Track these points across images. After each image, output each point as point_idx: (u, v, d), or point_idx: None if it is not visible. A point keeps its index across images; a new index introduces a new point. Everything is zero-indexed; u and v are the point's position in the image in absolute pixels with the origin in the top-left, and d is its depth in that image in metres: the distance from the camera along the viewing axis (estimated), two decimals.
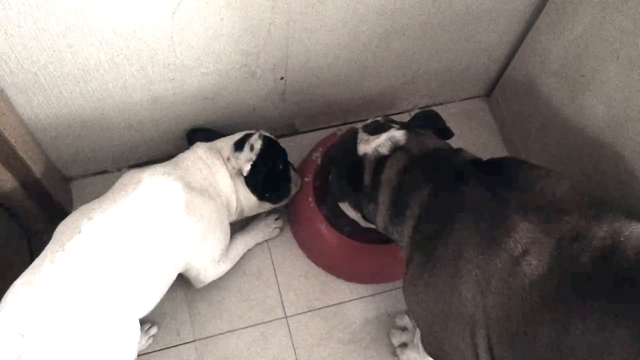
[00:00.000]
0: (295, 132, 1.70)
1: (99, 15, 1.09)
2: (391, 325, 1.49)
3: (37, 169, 1.32)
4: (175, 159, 1.37)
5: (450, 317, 1.04)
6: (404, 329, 1.46)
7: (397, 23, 1.38)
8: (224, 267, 1.44)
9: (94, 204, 1.21)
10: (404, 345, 1.44)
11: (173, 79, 1.32)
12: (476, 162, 1.14)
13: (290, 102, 1.55)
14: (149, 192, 1.24)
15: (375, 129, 1.24)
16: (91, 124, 1.39)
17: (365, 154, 1.21)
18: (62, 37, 1.11)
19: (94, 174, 1.60)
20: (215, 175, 1.36)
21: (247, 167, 1.37)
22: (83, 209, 1.21)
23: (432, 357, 1.21)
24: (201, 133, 1.49)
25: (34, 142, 1.34)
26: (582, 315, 0.89)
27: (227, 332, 1.47)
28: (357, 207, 1.29)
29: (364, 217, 1.29)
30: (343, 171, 1.27)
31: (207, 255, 1.37)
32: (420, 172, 1.13)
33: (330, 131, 1.64)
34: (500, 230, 0.98)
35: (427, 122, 1.26)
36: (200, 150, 1.38)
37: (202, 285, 1.43)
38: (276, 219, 1.57)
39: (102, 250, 1.15)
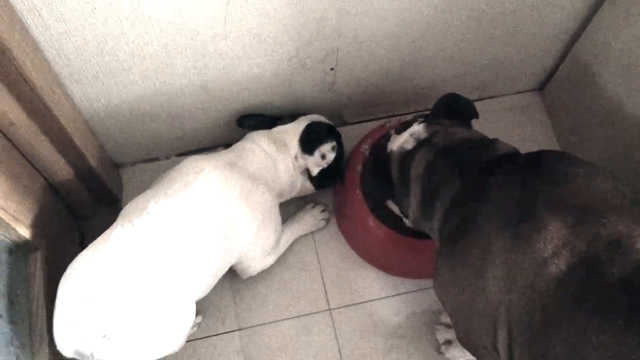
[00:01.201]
0: (343, 124, 1.69)
1: (154, 5, 1.10)
2: (436, 321, 1.47)
3: (90, 157, 1.34)
4: (236, 148, 1.38)
5: (475, 310, 1.02)
6: (449, 325, 1.44)
7: (451, 14, 1.35)
8: (271, 259, 1.45)
9: (157, 189, 1.23)
10: (448, 342, 1.42)
11: (224, 68, 1.32)
12: (510, 154, 1.10)
13: (340, 93, 1.54)
14: (209, 182, 1.24)
15: (404, 127, 1.24)
16: (142, 113, 1.40)
17: (391, 151, 1.23)
18: (117, 26, 1.12)
19: (144, 161, 1.62)
20: (278, 169, 1.38)
21: (316, 171, 1.41)
22: (148, 193, 1.24)
23: (463, 346, 1.20)
24: (254, 119, 1.48)
25: (88, 130, 1.36)
26: (604, 331, 0.84)
27: (270, 322, 1.47)
28: (396, 202, 1.28)
29: (401, 212, 1.28)
30: (374, 170, 1.29)
31: (261, 246, 1.38)
32: (448, 165, 1.11)
33: (378, 123, 1.61)
34: (531, 228, 0.94)
35: (446, 109, 1.25)
36: (263, 142, 1.38)
37: (247, 277, 1.44)
38: (322, 211, 1.57)
39: (166, 231, 1.17)
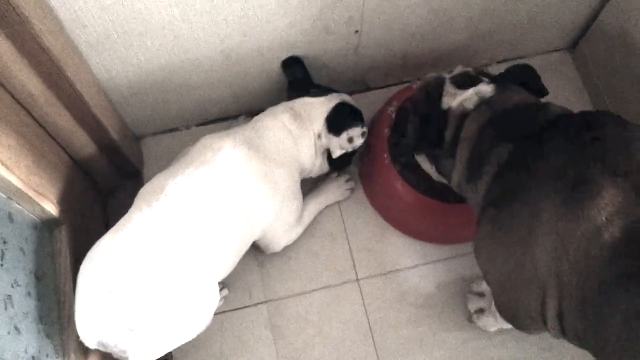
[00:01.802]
0: (366, 89, 1.64)
1: None
2: (466, 290, 1.44)
3: (111, 128, 1.31)
4: (256, 124, 1.32)
5: (521, 279, 0.99)
6: (481, 294, 1.41)
7: None
8: (295, 234, 1.42)
9: (175, 168, 1.19)
10: (480, 311, 1.39)
11: (245, 34, 1.27)
12: (564, 117, 1.05)
13: (363, 57, 1.49)
14: (229, 160, 1.20)
15: (464, 82, 1.16)
16: (162, 82, 1.36)
17: (449, 108, 1.15)
18: None
19: (164, 132, 1.59)
20: (299, 147, 1.32)
21: (337, 154, 1.35)
22: (165, 172, 1.20)
23: (505, 319, 1.17)
24: (299, 70, 1.41)
25: (107, 101, 1.33)
26: None
27: (298, 294, 1.45)
28: (432, 160, 1.23)
29: (439, 172, 1.24)
30: (424, 122, 1.20)
31: (283, 223, 1.35)
32: (502, 128, 1.06)
33: (402, 87, 1.56)
34: (584, 193, 0.90)
35: (521, 77, 1.17)
36: (285, 118, 1.31)
37: (273, 252, 1.42)
38: (347, 180, 1.53)
39: (185, 212, 1.13)
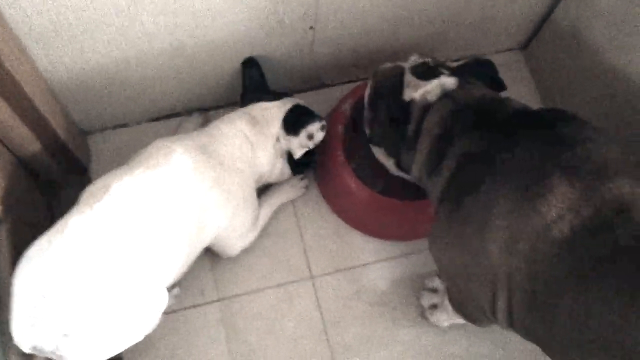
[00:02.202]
0: (322, 86, 1.63)
1: None
2: (420, 287, 1.45)
3: (55, 123, 1.26)
4: (212, 130, 1.29)
5: (474, 272, 1.01)
6: (434, 290, 1.42)
7: None
8: (251, 237, 1.40)
9: (123, 169, 1.16)
10: (433, 306, 1.40)
11: (196, 26, 1.24)
12: (523, 112, 1.07)
13: (319, 53, 1.47)
14: (179, 165, 1.17)
15: (425, 73, 1.16)
16: (110, 76, 1.32)
17: (412, 100, 1.14)
18: None
19: (113, 128, 1.54)
20: (257, 153, 1.30)
21: (299, 154, 1.34)
22: (111, 173, 1.15)
23: (456, 311, 1.19)
24: (257, 72, 1.39)
25: (51, 94, 1.28)
26: (608, 297, 0.83)
27: (251, 292, 1.43)
28: (391, 153, 1.23)
29: (397, 165, 1.23)
30: (385, 114, 1.19)
31: (237, 229, 1.33)
32: (463, 121, 1.07)
33: (357, 84, 1.56)
34: (537, 189, 0.91)
35: (480, 70, 1.18)
36: (243, 124, 1.29)
37: (229, 257, 1.40)
38: (301, 179, 1.52)
39: (130, 214, 1.09)
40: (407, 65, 1.21)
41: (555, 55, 1.57)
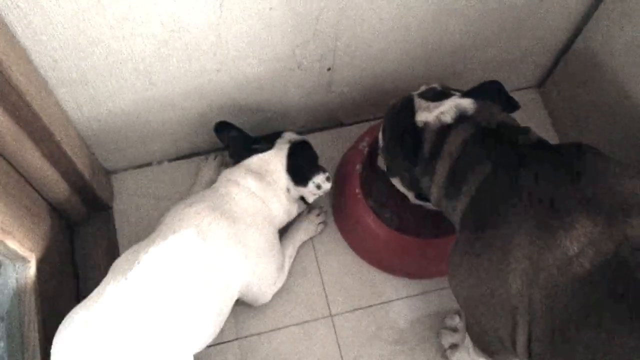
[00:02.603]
0: (339, 125, 1.65)
1: (146, 6, 1.06)
2: (440, 325, 1.44)
3: (80, 163, 1.29)
4: (220, 190, 1.31)
5: (494, 302, 0.99)
6: (454, 329, 1.41)
7: (448, 14, 1.32)
8: (280, 282, 1.42)
9: (148, 240, 1.20)
10: (454, 346, 1.39)
11: (218, 70, 1.28)
12: (543, 144, 1.07)
13: (336, 94, 1.50)
14: (196, 229, 1.20)
15: (435, 96, 1.16)
16: (134, 117, 1.36)
17: (426, 123, 1.13)
18: (108, 28, 1.08)
19: (136, 167, 1.58)
20: (271, 206, 1.33)
21: (312, 199, 1.39)
22: (139, 244, 1.19)
23: (476, 343, 1.17)
24: (234, 131, 1.39)
25: (77, 136, 1.32)
26: (628, 334, 0.82)
27: (270, 330, 1.43)
28: (410, 182, 1.22)
29: (416, 194, 1.23)
30: (398, 141, 1.19)
31: (264, 278, 1.34)
32: (484, 146, 1.06)
33: (374, 123, 1.58)
34: (559, 223, 0.91)
35: (491, 91, 1.16)
36: (249, 183, 1.31)
37: (263, 304, 1.41)
38: (318, 215, 1.53)
39: (160, 281, 1.12)
40: (415, 93, 1.21)
41: (571, 92, 1.58)
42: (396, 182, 1.28)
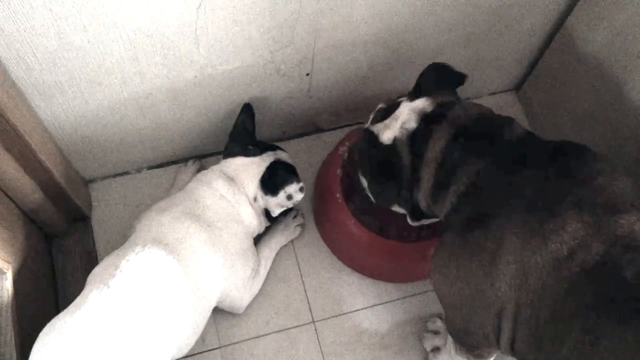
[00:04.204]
0: (319, 130, 1.65)
1: (122, 11, 1.05)
2: (422, 329, 1.44)
3: (57, 172, 1.27)
4: (192, 193, 1.31)
5: (480, 304, 0.99)
6: (436, 332, 1.41)
7: (429, 16, 1.33)
8: (256, 287, 1.41)
9: (125, 247, 1.19)
10: (436, 349, 1.39)
11: (195, 76, 1.27)
12: (531, 141, 1.04)
13: (315, 99, 1.50)
14: (171, 234, 1.20)
15: (386, 113, 1.14)
16: (111, 124, 1.35)
17: (394, 139, 1.10)
18: (83, 34, 1.07)
19: (114, 176, 1.56)
20: (239, 210, 1.32)
21: (277, 212, 1.35)
22: (116, 252, 1.18)
23: (456, 339, 1.17)
24: (248, 120, 1.39)
25: (54, 145, 1.30)
26: (616, 337, 0.83)
27: (253, 338, 1.42)
28: (405, 201, 1.17)
29: (413, 212, 1.19)
30: (375, 171, 1.17)
31: (239, 284, 1.33)
32: (468, 146, 1.03)
33: (354, 128, 1.58)
34: (550, 225, 0.90)
35: (436, 75, 1.16)
36: (219, 186, 1.30)
37: (241, 311, 1.40)
38: (294, 217, 1.52)
39: (141, 288, 1.11)
40: (367, 124, 1.20)
41: (548, 95, 1.60)
42: (396, 208, 1.24)
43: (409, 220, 1.21)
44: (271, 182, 1.33)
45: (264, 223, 1.40)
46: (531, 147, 1.03)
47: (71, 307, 1.08)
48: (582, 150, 1.01)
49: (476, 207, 1.01)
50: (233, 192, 1.31)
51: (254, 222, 1.35)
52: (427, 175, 1.07)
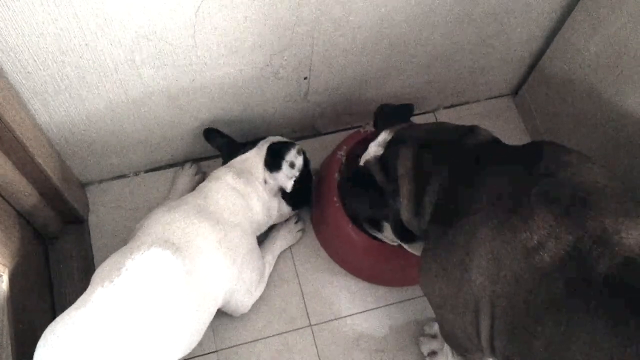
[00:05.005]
0: (316, 134, 1.66)
1: (120, 14, 1.05)
2: (419, 333, 1.44)
3: (54, 176, 1.27)
4: (203, 190, 1.31)
5: (459, 301, 1.00)
6: (433, 336, 1.41)
7: (426, 22, 1.33)
8: (259, 290, 1.41)
9: (130, 245, 1.18)
10: (433, 353, 1.39)
11: (193, 80, 1.27)
12: (497, 143, 1.09)
13: (313, 103, 1.50)
14: (179, 232, 1.19)
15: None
16: (108, 127, 1.34)
17: (365, 161, 1.22)
18: (81, 37, 1.07)
19: (111, 179, 1.56)
20: (250, 202, 1.32)
21: (290, 185, 1.35)
22: (121, 250, 1.18)
23: (449, 344, 1.18)
24: (221, 138, 1.43)
25: (50, 147, 1.30)
26: (587, 328, 0.83)
27: (250, 341, 1.42)
28: (381, 213, 1.23)
29: (395, 227, 1.22)
30: (348, 185, 1.29)
31: (246, 286, 1.33)
32: (431, 157, 1.09)
33: (351, 132, 1.58)
34: (518, 217, 0.92)
35: (391, 113, 1.29)
36: (229, 178, 1.32)
37: (240, 314, 1.40)
38: (296, 222, 1.53)
39: (147, 288, 1.11)
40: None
41: (544, 100, 1.61)
42: (376, 233, 1.32)
43: (394, 235, 1.23)
44: (272, 159, 1.35)
45: (283, 209, 1.41)
46: (496, 148, 1.07)
47: (77, 303, 1.09)
48: (549, 146, 1.03)
49: (449, 211, 1.03)
50: (243, 181, 1.32)
51: (263, 214, 1.36)
52: (404, 190, 1.12)
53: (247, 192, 1.32)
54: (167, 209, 1.25)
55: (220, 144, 1.43)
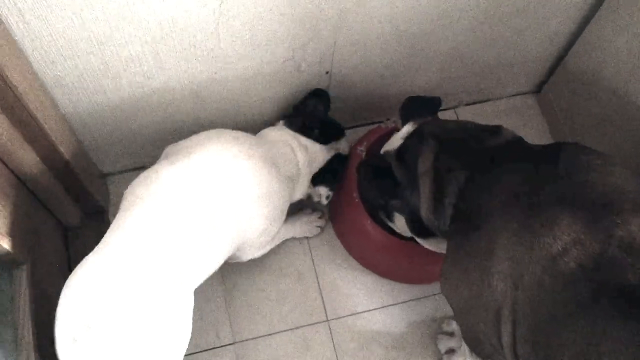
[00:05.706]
0: None
1: (144, 6, 1.05)
2: (437, 330, 1.44)
3: (77, 167, 1.28)
4: (265, 136, 1.34)
5: (480, 305, 0.99)
6: (451, 334, 1.41)
7: (450, 16, 1.32)
8: (263, 251, 1.41)
9: (172, 160, 1.19)
10: (451, 351, 1.38)
11: (216, 72, 1.27)
12: (520, 143, 1.07)
13: (334, 97, 1.49)
14: (241, 169, 1.20)
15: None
16: (130, 119, 1.35)
17: (385, 151, 1.23)
18: (106, 27, 1.07)
19: (132, 170, 1.56)
20: (298, 164, 1.35)
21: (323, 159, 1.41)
22: (159, 164, 1.21)
23: (470, 347, 1.17)
24: (320, 107, 1.43)
25: (74, 138, 1.31)
26: (613, 336, 0.81)
27: (266, 335, 1.42)
28: (405, 211, 1.22)
29: (411, 220, 1.22)
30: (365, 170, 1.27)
31: (262, 240, 1.33)
32: (452, 157, 1.07)
33: (372, 127, 1.58)
34: (540, 221, 0.90)
35: (418, 106, 1.27)
36: (295, 145, 1.34)
37: (237, 261, 1.38)
38: (319, 217, 1.52)
39: (181, 202, 1.12)
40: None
41: (568, 98, 1.59)
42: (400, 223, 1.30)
43: (408, 229, 1.24)
44: (328, 174, 1.41)
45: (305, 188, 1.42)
46: (518, 149, 1.05)
47: (113, 224, 1.13)
48: (571, 147, 1.01)
49: (470, 212, 1.02)
50: (302, 155, 1.35)
51: (302, 183, 1.37)
52: (424, 189, 1.11)
53: (298, 147, 1.35)
54: (232, 138, 1.25)
55: (317, 110, 1.43)
